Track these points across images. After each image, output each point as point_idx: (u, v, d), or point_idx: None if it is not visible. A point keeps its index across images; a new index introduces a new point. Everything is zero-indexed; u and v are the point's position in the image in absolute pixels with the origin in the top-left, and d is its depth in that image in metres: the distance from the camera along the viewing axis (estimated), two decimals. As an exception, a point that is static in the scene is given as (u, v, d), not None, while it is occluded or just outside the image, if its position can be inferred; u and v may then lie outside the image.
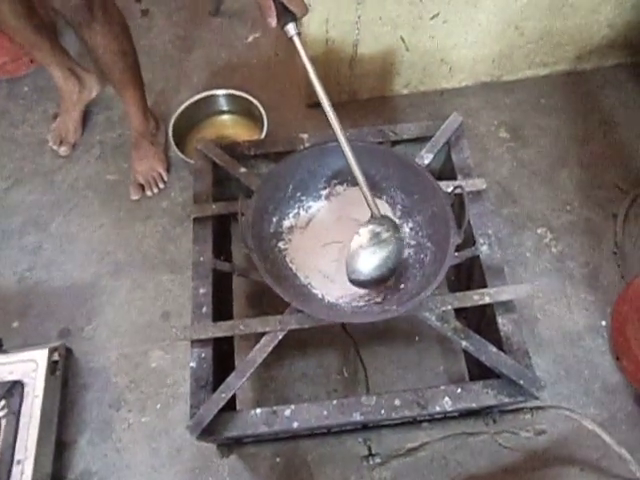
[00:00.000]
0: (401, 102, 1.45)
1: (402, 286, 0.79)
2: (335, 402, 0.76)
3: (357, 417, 0.75)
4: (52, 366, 1.05)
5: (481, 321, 0.91)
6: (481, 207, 0.91)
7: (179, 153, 1.29)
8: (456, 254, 0.80)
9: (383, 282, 0.79)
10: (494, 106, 1.43)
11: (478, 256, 0.87)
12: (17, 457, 0.95)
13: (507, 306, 0.82)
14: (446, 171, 1.02)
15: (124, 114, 1.37)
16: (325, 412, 0.75)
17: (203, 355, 0.80)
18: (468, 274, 0.95)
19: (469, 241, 0.89)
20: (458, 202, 0.89)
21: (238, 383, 0.76)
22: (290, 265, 0.81)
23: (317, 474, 1.01)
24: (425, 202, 0.83)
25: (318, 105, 1.43)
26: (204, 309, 0.83)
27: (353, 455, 1.01)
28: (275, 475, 1.02)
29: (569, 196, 1.30)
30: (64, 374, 1.11)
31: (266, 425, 0.75)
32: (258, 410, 0.76)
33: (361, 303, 0.77)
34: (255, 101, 1.34)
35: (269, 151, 0.98)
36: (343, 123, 1.40)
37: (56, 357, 1.07)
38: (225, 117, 1.41)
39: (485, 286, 0.85)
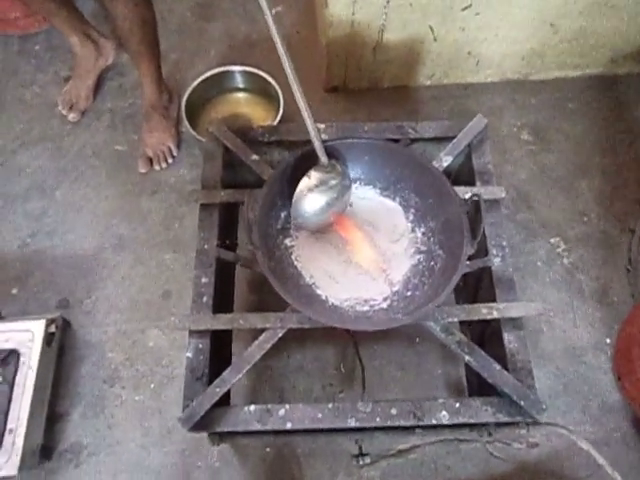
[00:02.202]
0: (423, 94, 1.40)
1: (409, 293, 0.76)
2: (331, 406, 0.75)
3: (352, 423, 0.74)
4: (48, 337, 1.05)
5: (485, 331, 0.89)
6: (497, 216, 0.88)
7: (191, 129, 1.25)
8: (467, 262, 0.78)
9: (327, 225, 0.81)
10: (519, 106, 1.38)
11: (489, 266, 0.84)
12: (9, 426, 0.95)
13: (515, 322, 0.79)
14: (464, 174, 0.99)
15: (137, 83, 1.33)
16: (320, 415, 0.74)
17: (200, 346, 0.78)
18: (476, 283, 0.93)
19: (481, 250, 0.86)
20: (474, 208, 0.86)
21: (234, 379, 0.74)
22: (295, 263, 0.78)
23: (306, 467, 1.01)
24: (440, 208, 0.80)
25: (336, 90, 1.40)
26: (205, 299, 0.81)
27: (343, 452, 1.01)
28: (264, 465, 1.02)
29: (587, 206, 1.26)
30: (60, 346, 1.10)
31: (259, 423, 0.74)
32: (252, 407, 0.75)
33: (365, 308, 0.75)
34: (272, 81, 1.29)
35: (283, 139, 0.94)
36: (361, 111, 1.38)
37: (53, 329, 1.06)
38: (240, 95, 1.37)
39: (494, 298, 0.82)
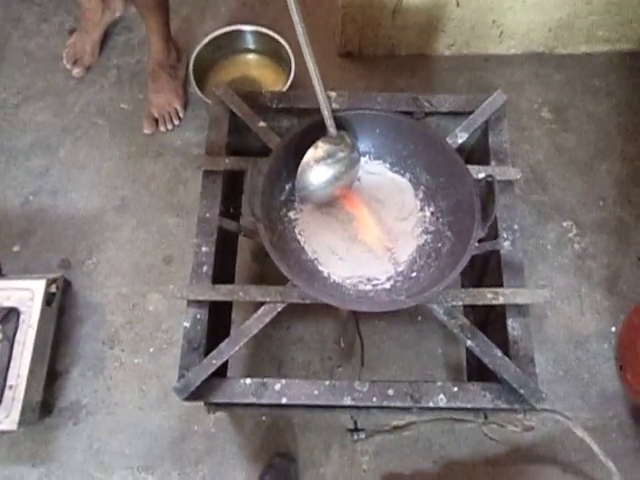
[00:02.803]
0: (441, 63, 1.34)
1: (414, 274, 0.74)
2: (327, 383, 0.74)
3: (347, 401, 0.73)
4: (49, 297, 1.04)
5: (489, 315, 0.87)
6: (510, 198, 0.84)
7: (198, 91, 1.21)
8: (475, 244, 0.75)
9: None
10: (541, 81, 1.32)
11: (498, 250, 0.82)
12: (9, 382, 0.96)
13: (520, 309, 0.77)
14: (479, 151, 0.95)
15: (145, 39, 1.27)
16: (316, 391, 0.73)
17: (198, 316, 0.77)
18: (484, 264, 0.90)
19: (491, 232, 0.83)
20: (487, 189, 0.83)
21: (231, 351, 0.74)
22: (298, 237, 0.76)
23: (301, 438, 1.02)
24: (451, 187, 0.77)
25: (351, 55, 1.34)
26: (204, 268, 0.79)
27: (339, 425, 1.02)
28: (260, 432, 1.03)
29: (604, 191, 1.21)
30: (61, 305, 1.10)
31: (254, 396, 0.73)
32: (248, 380, 0.74)
33: (368, 287, 0.73)
34: (284, 43, 1.24)
35: (293, 106, 0.90)
36: (376, 79, 1.33)
37: (53, 289, 1.06)
38: (250, 56, 1.31)
39: (500, 282, 0.80)
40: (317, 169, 0.71)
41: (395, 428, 1.02)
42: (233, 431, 1.03)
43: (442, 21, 1.23)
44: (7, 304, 1.01)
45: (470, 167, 0.81)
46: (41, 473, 1.00)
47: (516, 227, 0.83)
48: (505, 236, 0.82)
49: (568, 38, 1.29)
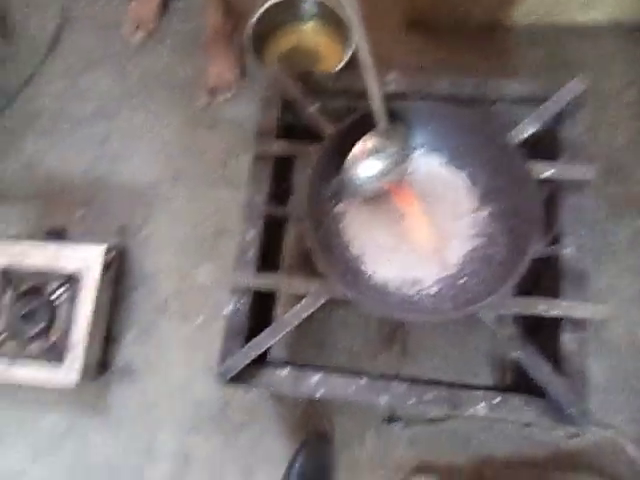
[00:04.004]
0: (517, 35, 1.21)
1: (462, 281, 0.70)
2: (364, 380, 0.73)
3: (384, 400, 0.73)
4: (107, 264, 1.09)
5: (542, 322, 0.82)
6: (580, 199, 0.77)
7: (256, 60, 1.18)
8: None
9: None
10: (630, 58, 1.17)
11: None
12: (70, 343, 1.03)
13: (577, 323, 0.72)
14: (548, 140, 0.86)
15: (203, 5, 1.25)
16: (353, 387, 0.73)
17: (242, 301, 0.78)
18: (541, 267, 0.84)
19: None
20: (551, 191, 0.76)
21: (269, 342, 0.74)
22: (344, 233, 0.74)
23: (336, 421, 1.03)
24: (511, 189, 0.71)
25: (418, 24, 1.25)
26: (249, 255, 0.79)
27: (375, 413, 1.02)
28: (298, 409, 1.05)
29: (690, 185, 1.09)
30: (117, 272, 1.15)
31: (291, 387, 0.74)
32: (286, 370, 0.75)
33: (412, 291, 0.70)
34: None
35: (349, 88, 0.86)
36: (443, 51, 1.23)
37: (111, 255, 1.11)
38: (311, 24, 1.26)
39: (557, 290, 0.75)
40: (365, 163, 0.68)
41: (433, 420, 1.01)
42: (273, 405, 1.06)
43: (521, -13, 1.11)
44: (69, 269, 1.07)
45: (536, 163, 0.74)
46: (98, 423, 1.08)
47: (583, 232, 0.76)
48: (569, 241, 0.75)
49: (668, 7, 1.13)
